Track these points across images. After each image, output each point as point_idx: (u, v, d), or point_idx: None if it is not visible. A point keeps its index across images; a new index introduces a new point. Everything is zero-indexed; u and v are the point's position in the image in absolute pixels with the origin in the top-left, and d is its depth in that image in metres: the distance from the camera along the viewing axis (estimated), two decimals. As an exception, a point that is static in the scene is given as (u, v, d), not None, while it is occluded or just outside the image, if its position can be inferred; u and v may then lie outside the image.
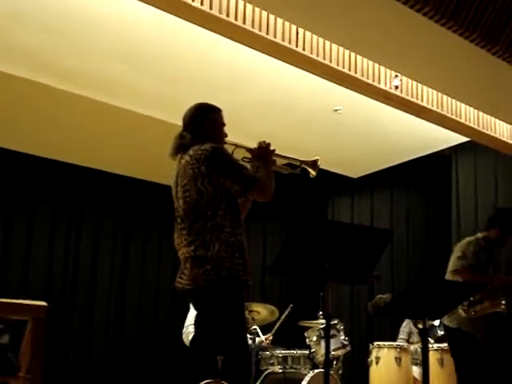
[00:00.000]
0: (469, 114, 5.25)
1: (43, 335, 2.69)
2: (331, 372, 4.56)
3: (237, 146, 3.09)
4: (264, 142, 3.07)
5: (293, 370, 4.90)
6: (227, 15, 3.69)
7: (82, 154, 6.59)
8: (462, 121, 5.20)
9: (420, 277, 6.41)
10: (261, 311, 5.08)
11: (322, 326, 4.80)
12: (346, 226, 3.14)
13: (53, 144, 6.35)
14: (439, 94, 4.99)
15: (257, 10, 3.81)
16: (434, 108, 4.97)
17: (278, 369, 4.90)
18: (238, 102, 5.15)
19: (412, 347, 5.27)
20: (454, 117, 5.12)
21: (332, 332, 4.69)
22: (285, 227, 7.41)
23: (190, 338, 3.20)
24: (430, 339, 4.86)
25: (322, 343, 4.70)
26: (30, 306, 2.73)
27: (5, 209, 6.70)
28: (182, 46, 4.49)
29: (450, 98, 5.07)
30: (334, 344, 4.70)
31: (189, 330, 4.82)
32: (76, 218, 7.20)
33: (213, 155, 2.86)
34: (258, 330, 5.26)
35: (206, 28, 3.87)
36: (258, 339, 5.19)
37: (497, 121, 5.47)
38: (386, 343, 5.20)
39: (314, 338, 4.83)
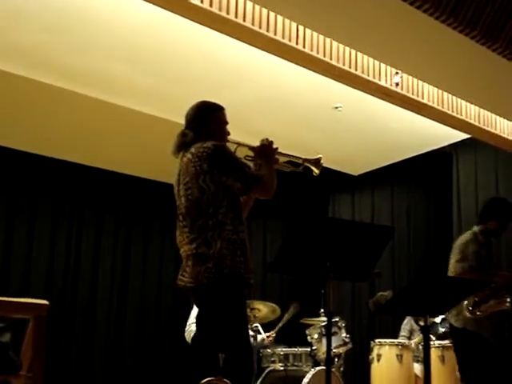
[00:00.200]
0: (469, 111, 5.25)
1: (45, 334, 2.69)
2: (333, 369, 4.56)
3: (239, 144, 3.09)
4: (267, 139, 3.06)
5: (294, 368, 4.91)
6: (227, 13, 3.69)
7: (83, 152, 6.59)
8: (463, 118, 5.20)
9: (421, 274, 6.41)
10: (262, 309, 5.08)
11: (323, 324, 4.80)
12: (347, 224, 3.14)
13: (53, 142, 6.35)
14: (440, 90, 4.99)
15: (257, 7, 3.81)
16: (435, 105, 4.97)
17: (279, 366, 4.90)
18: (238, 100, 5.14)
19: (413, 344, 5.27)
20: (454, 114, 5.12)
21: (333, 329, 4.69)
22: (285, 225, 7.42)
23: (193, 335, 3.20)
24: (431, 336, 4.86)
25: (324, 341, 4.70)
26: (32, 305, 2.73)
27: (6, 207, 6.69)
28: (182, 43, 4.48)
29: (450, 95, 5.07)
30: (335, 341, 4.70)
31: (191, 328, 4.82)
32: (77, 217, 7.20)
33: (215, 153, 2.86)
34: (260, 328, 5.27)
35: (207, 26, 3.87)
36: (259, 337, 5.19)
37: (497, 118, 5.47)
38: (388, 340, 5.20)
39: (316, 336, 4.83)
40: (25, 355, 2.67)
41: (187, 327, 5.00)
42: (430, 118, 5.25)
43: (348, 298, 7.21)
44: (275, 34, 3.92)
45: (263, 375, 4.88)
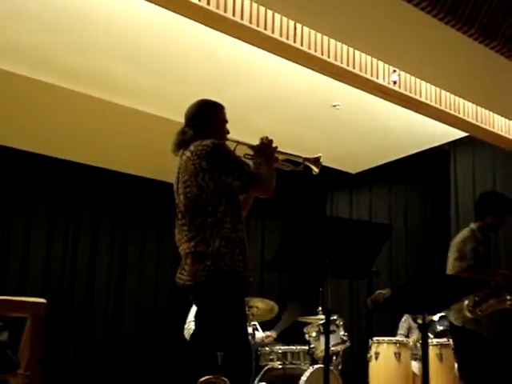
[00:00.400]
0: (467, 109, 5.25)
1: (43, 332, 2.68)
2: (331, 367, 4.56)
3: (239, 142, 3.09)
4: (266, 138, 3.06)
5: (292, 366, 4.92)
6: (225, 11, 3.68)
7: (82, 151, 6.58)
8: (461, 116, 5.20)
9: (419, 272, 6.42)
10: (260, 307, 5.08)
11: (321, 322, 4.81)
12: (345, 222, 3.13)
13: (52, 141, 6.34)
14: (437, 89, 4.98)
15: (254, 5, 3.81)
16: (433, 103, 4.97)
17: (277, 364, 4.91)
18: (237, 98, 5.14)
19: (411, 342, 5.28)
20: (452, 112, 5.12)
21: (331, 328, 4.70)
22: (284, 223, 7.42)
23: (191, 333, 3.20)
24: (429, 334, 4.86)
25: (322, 339, 4.71)
26: (30, 304, 2.72)
27: (3, 207, 6.68)
28: (182, 43, 4.48)
29: (448, 93, 5.06)
30: (333, 339, 4.71)
31: (191, 326, 4.82)
32: (74, 216, 7.18)
33: (214, 151, 2.86)
34: (258, 326, 5.27)
35: (204, 24, 3.86)
36: (257, 335, 5.20)
37: (495, 115, 5.47)
38: (386, 338, 5.20)
39: (314, 334, 4.84)
40: (22, 354, 2.66)
41: (186, 325, 5.00)
42: (428, 116, 5.25)
43: (346, 296, 7.21)
44: (273, 32, 3.91)
45: (261, 373, 4.89)
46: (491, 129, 5.45)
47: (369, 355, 5.17)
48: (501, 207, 4.23)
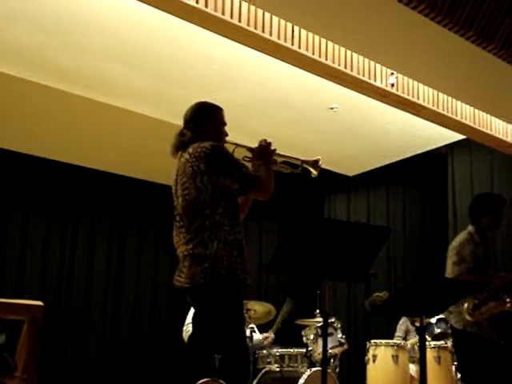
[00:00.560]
0: (465, 112, 5.26)
1: (39, 335, 2.67)
2: (328, 370, 4.55)
3: (237, 145, 3.08)
4: (265, 140, 3.06)
5: (290, 369, 4.90)
6: (223, 13, 3.69)
7: (78, 153, 6.57)
8: (458, 118, 5.21)
9: (417, 274, 6.42)
10: (257, 309, 5.08)
11: (319, 325, 4.80)
12: (342, 224, 3.14)
13: (48, 143, 6.33)
14: (435, 91, 4.99)
15: (252, 8, 3.81)
16: (430, 106, 4.98)
17: (275, 367, 4.90)
18: (234, 100, 5.14)
19: (409, 345, 5.27)
20: (449, 114, 5.13)
21: (329, 330, 4.69)
22: (281, 226, 7.42)
23: (190, 336, 3.20)
24: (426, 337, 4.86)
25: (319, 341, 4.70)
26: (27, 306, 2.71)
27: (0, 209, 6.67)
28: (178, 45, 4.48)
29: (445, 96, 5.08)
30: (331, 342, 4.70)
31: (189, 328, 4.81)
32: (71, 218, 7.17)
33: (212, 153, 2.85)
34: (255, 329, 5.25)
35: (202, 27, 3.86)
36: (255, 337, 5.18)
37: (493, 118, 5.48)
38: (383, 341, 5.19)
39: (311, 337, 4.83)
40: (19, 357, 2.65)
41: (185, 327, 4.99)
42: (426, 119, 5.26)
43: (344, 298, 7.21)
44: (271, 34, 3.92)
45: (259, 376, 4.87)
46: (489, 131, 5.46)
47: (366, 358, 5.16)
48: (495, 205, 4.24)
